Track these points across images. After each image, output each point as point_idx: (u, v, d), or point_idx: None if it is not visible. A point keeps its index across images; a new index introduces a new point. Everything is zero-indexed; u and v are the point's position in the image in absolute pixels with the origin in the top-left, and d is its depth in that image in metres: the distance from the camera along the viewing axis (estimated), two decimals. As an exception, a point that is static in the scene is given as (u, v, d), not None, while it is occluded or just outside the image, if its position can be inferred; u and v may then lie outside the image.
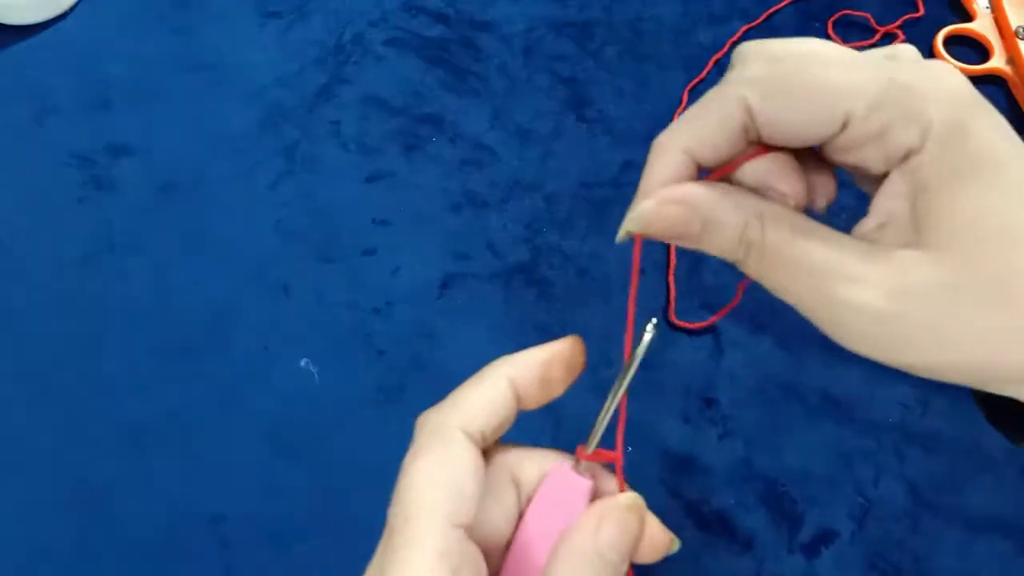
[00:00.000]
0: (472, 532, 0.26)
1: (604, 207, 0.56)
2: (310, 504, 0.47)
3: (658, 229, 0.26)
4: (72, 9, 0.62)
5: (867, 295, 0.23)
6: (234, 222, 0.55)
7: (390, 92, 0.60)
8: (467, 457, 0.26)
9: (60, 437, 0.48)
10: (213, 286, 0.53)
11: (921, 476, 0.48)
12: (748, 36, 0.63)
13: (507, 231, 0.55)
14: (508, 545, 0.28)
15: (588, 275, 0.54)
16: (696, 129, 0.26)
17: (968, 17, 0.64)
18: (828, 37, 0.63)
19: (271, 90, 0.59)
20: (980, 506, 0.48)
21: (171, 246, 0.54)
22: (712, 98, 0.26)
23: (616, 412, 0.28)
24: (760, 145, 0.26)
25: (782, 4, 0.64)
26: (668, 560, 0.28)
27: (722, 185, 0.26)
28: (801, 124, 0.25)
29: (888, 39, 0.63)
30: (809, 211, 0.27)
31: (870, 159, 0.25)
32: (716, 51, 0.62)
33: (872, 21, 0.63)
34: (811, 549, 0.47)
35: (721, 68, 0.58)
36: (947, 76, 0.24)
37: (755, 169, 0.26)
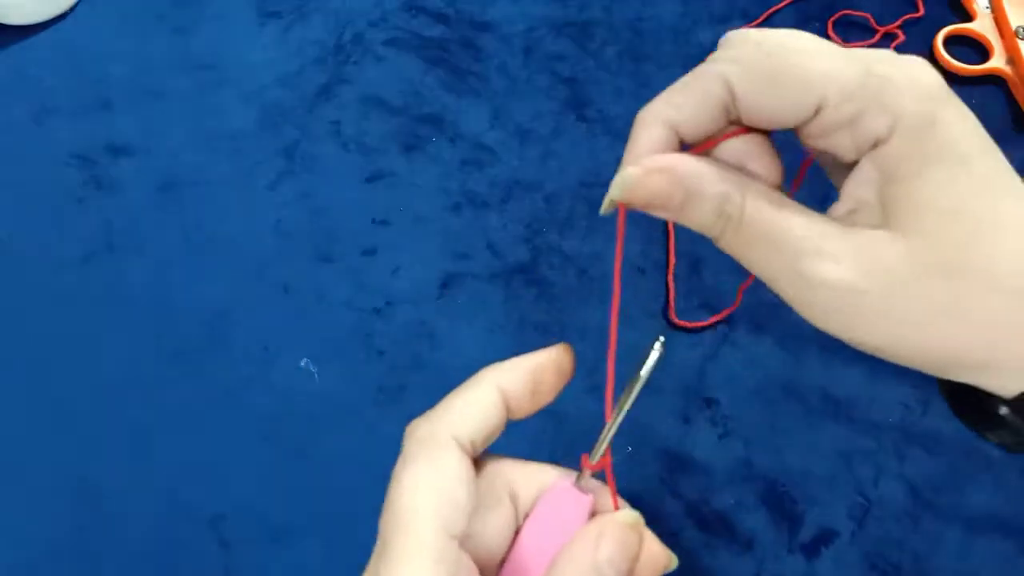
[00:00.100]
0: (466, 544, 0.26)
1: (604, 207, 0.56)
2: (310, 504, 0.47)
3: (641, 196, 0.26)
4: (72, 9, 0.62)
5: (839, 271, 0.24)
6: (234, 222, 0.55)
7: (390, 92, 0.60)
8: (458, 466, 0.26)
9: (60, 437, 0.48)
10: (213, 286, 0.53)
11: (921, 476, 0.48)
12: (748, 36, 0.63)
13: (507, 231, 0.55)
14: (503, 562, 0.28)
15: (588, 275, 0.54)
16: (678, 104, 0.26)
17: (968, 17, 0.63)
18: (828, 37, 0.63)
19: (271, 90, 0.59)
20: (980, 506, 0.48)
21: (171, 246, 0.54)
22: (695, 75, 0.26)
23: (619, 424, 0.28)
24: (740, 126, 0.27)
25: (782, 4, 0.64)
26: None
27: (705, 158, 0.27)
28: (776, 107, 0.25)
29: (888, 39, 0.63)
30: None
31: (841, 146, 0.25)
32: (716, 51, 0.62)
33: (872, 21, 0.63)
34: (811, 549, 0.47)
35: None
36: (921, 71, 0.25)
37: (733, 148, 0.27)
